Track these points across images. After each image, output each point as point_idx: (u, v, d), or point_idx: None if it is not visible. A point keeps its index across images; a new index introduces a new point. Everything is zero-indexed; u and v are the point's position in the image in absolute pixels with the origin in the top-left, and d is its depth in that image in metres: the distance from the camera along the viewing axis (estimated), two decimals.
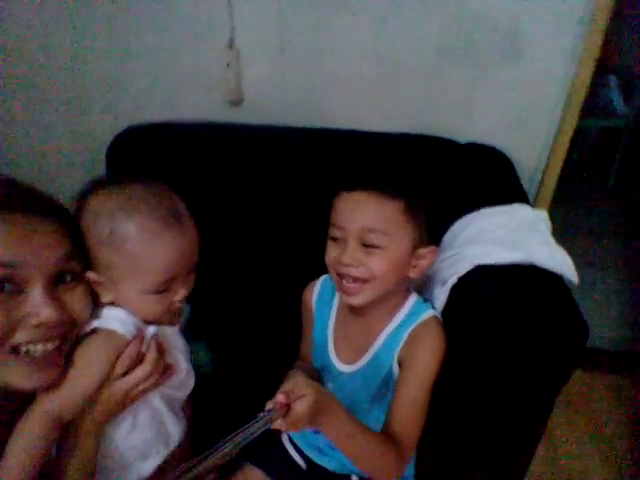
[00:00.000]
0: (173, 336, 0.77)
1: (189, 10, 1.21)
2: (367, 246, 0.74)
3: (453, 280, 0.82)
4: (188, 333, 1.18)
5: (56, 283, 0.60)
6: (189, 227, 0.69)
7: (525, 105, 1.24)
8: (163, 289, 0.68)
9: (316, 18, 1.20)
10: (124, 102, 1.36)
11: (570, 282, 0.78)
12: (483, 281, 0.80)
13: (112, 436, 0.70)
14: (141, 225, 0.64)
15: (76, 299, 0.63)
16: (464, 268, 0.81)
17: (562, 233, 0.94)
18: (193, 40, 1.25)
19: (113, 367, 0.66)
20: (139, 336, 0.68)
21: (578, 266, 0.79)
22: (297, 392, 0.61)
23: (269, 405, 0.61)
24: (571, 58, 1.16)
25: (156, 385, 0.71)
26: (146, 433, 0.74)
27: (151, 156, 1.28)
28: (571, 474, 1.40)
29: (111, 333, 0.66)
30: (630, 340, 1.80)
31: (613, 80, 2.50)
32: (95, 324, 0.67)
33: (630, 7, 2.44)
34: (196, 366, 1.12)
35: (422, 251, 0.78)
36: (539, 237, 0.82)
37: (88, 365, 0.65)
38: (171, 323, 0.75)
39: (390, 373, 0.80)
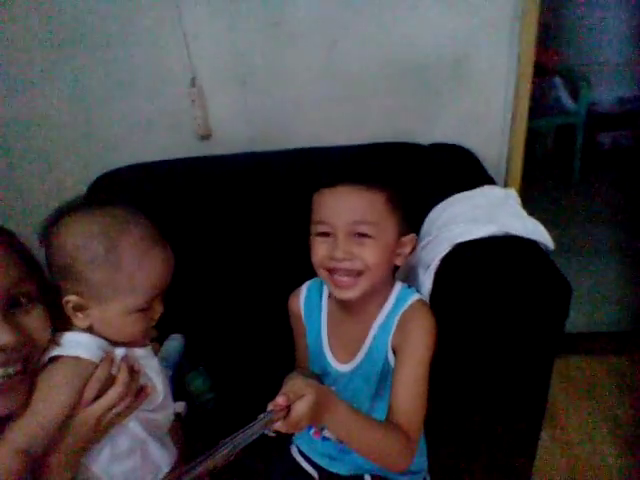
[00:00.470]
0: (146, 357, 0.75)
1: (151, 55, 1.27)
2: (358, 237, 0.74)
3: (435, 263, 0.84)
4: (184, 363, 1.17)
5: (12, 307, 0.60)
6: (166, 244, 0.71)
7: (478, 105, 1.31)
8: (148, 306, 0.69)
9: (270, 48, 1.26)
10: (97, 152, 1.39)
11: (546, 248, 0.81)
12: (464, 258, 0.82)
13: (90, 467, 0.68)
14: (135, 242, 0.65)
15: (34, 321, 0.62)
16: (444, 249, 0.83)
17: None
18: (158, 83, 1.30)
19: (81, 393, 0.64)
20: (107, 358, 0.66)
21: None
22: (296, 393, 0.61)
23: (269, 407, 0.60)
24: (510, 57, 1.24)
25: (131, 409, 0.68)
26: (127, 463, 0.70)
27: (131, 198, 1.29)
28: (581, 458, 1.38)
29: (75, 359, 0.65)
30: (606, 321, 1.83)
31: (558, 81, 2.65)
32: (56, 352, 0.65)
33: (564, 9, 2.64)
34: (195, 395, 1.12)
35: (404, 239, 0.80)
36: (510, 210, 0.86)
37: (53, 393, 0.62)
38: (142, 344, 0.74)
39: (387, 363, 0.80)
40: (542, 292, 0.71)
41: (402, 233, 0.80)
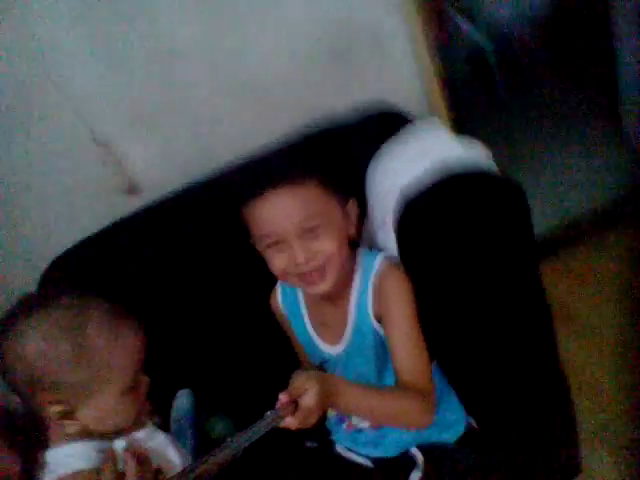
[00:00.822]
0: (150, 436, 0.72)
1: (43, 128, 1.22)
2: (310, 232, 0.73)
3: (390, 217, 0.82)
4: (200, 414, 1.13)
5: None
6: (132, 316, 0.68)
7: (387, 66, 1.31)
8: (135, 383, 0.66)
9: (164, 79, 1.23)
10: (30, 242, 1.33)
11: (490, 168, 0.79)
12: (420, 212, 0.79)
13: None
14: (100, 327, 0.63)
15: None
16: (393, 200, 0.81)
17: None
18: (61, 155, 1.25)
19: None
20: (108, 458, 0.62)
21: None
22: (299, 388, 0.61)
23: (277, 405, 0.61)
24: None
25: None
26: None
27: (90, 278, 1.25)
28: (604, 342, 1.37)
29: (76, 474, 0.61)
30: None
31: (450, 9, 2.68)
32: (50, 475, 0.60)
33: None
34: (218, 442, 1.07)
35: (347, 208, 0.80)
36: (440, 138, 0.84)
37: None
38: (140, 425, 0.71)
39: (375, 333, 0.80)
40: (496, 199, 0.69)
41: (343, 204, 0.79)
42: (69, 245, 1.26)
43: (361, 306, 0.81)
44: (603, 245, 1.68)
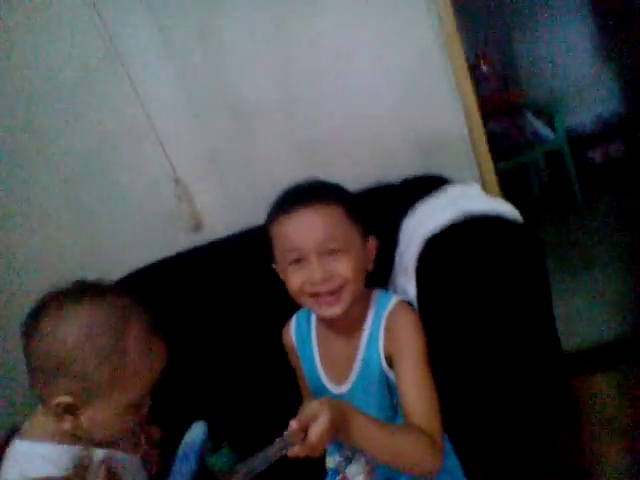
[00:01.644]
0: (132, 465, 0.71)
1: (134, 166, 1.42)
2: (331, 254, 0.75)
3: (412, 265, 0.84)
4: (209, 446, 1.12)
5: None
6: (162, 335, 0.68)
7: (438, 135, 1.38)
8: (142, 401, 0.65)
9: (238, 133, 1.39)
10: (101, 263, 1.47)
11: (515, 220, 0.81)
12: (438, 252, 0.82)
13: None
14: (139, 332, 0.62)
15: None
16: (417, 248, 0.84)
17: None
18: (144, 188, 1.43)
19: None
20: (81, 464, 0.61)
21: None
22: (309, 415, 0.61)
23: (286, 434, 0.60)
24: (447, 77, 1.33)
25: None
26: None
27: (147, 303, 1.35)
28: None
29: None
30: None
31: (530, 115, 2.76)
32: (18, 472, 0.58)
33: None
34: (222, 476, 1.05)
35: (368, 244, 0.82)
36: (473, 198, 0.87)
37: None
38: (128, 447, 0.70)
39: (382, 373, 0.79)
40: (517, 248, 0.70)
41: (365, 239, 0.82)
42: (132, 266, 1.41)
43: (371, 343, 0.80)
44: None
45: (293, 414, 1.05)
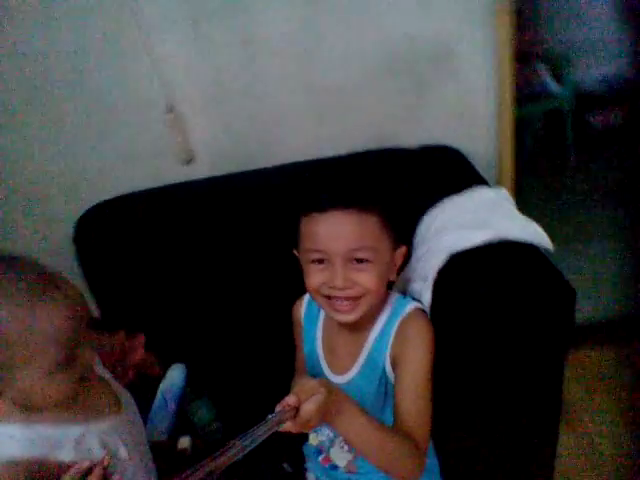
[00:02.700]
0: (114, 431, 0.68)
1: (124, 86, 1.24)
2: (357, 263, 0.72)
3: (433, 274, 0.81)
4: (187, 393, 1.14)
5: None
6: (61, 284, 0.60)
7: (463, 100, 1.29)
8: (70, 358, 0.59)
9: (243, 66, 1.23)
10: (81, 186, 1.35)
11: (546, 250, 0.78)
12: (462, 270, 0.79)
13: None
14: (15, 307, 0.56)
15: None
16: (440, 260, 0.81)
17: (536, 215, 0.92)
18: (134, 112, 1.27)
19: None
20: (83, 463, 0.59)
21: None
22: (306, 392, 0.60)
23: (278, 407, 0.59)
24: (489, 48, 1.21)
25: None
26: None
27: (118, 229, 1.29)
28: (604, 453, 1.35)
29: (12, 465, 0.56)
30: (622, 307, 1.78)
31: (541, 66, 2.62)
32: None
33: None
34: (199, 426, 1.09)
35: (397, 253, 0.79)
36: (504, 212, 0.83)
37: None
38: (110, 412, 0.67)
39: (384, 375, 0.79)
40: (545, 299, 0.68)
41: (395, 248, 0.78)
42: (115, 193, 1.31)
43: (380, 343, 0.79)
44: (626, 351, 1.63)
45: (277, 377, 1.08)
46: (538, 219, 0.81)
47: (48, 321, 0.57)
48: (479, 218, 0.83)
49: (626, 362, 1.60)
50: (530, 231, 0.78)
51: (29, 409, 0.60)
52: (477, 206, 0.87)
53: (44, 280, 0.58)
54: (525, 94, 2.61)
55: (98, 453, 0.64)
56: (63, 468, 0.59)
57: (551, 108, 2.72)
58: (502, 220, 0.80)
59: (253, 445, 0.54)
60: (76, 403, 0.64)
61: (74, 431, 0.62)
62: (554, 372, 0.72)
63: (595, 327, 1.67)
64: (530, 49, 2.65)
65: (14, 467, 0.56)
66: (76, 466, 0.59)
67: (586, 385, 1.54)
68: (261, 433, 0.55)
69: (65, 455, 0.60)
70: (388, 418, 0.78)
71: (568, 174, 2.72)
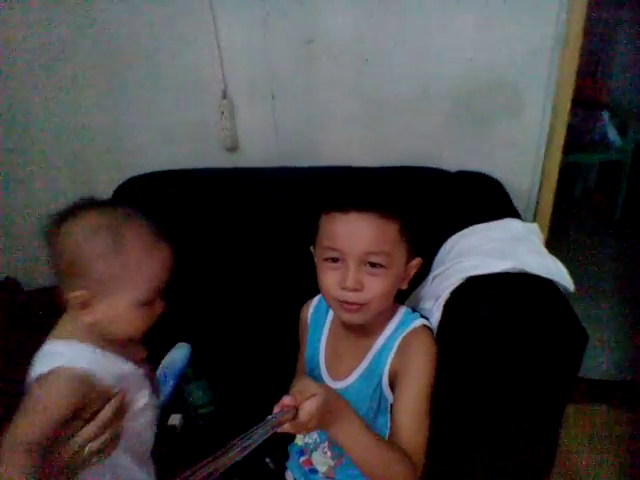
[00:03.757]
0: (137, 379, 0.74)
1: (183, 65, 1.30)
2: (370, 267, 0.73)
3: (446, 295, 0.80)
4: (188, 373, 1.16)
5: None
6: (167, 242, 0.73)
7: (513, 133, 1.27)
8: (152, 300, 0.70)
9: (301, 65, 1.26)
10: (126, 154, 1.42)
11: (565, 289, 0.76)
12: (476, 293, 0.78)
13: None
14: (139, 235, 0.68)
15: None
16: (455, 281, 0.80)
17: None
18: (189, 93, 1.32)
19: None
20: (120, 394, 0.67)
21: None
22: (306, 393, 0.60)
23: (276, 408, 0.59)
24: (550, 85, 1.19)
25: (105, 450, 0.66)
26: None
27: (153, 204, 1.31)
28: None
29: (73, 370, 0.64)
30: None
31: (606, 115, 2.54)
32: (51, 365, 0.64)
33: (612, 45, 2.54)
34: (193, 407, 1.10)
35: (411, 264, 0.79)
36: (530, 246, 0.81)
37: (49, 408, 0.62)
38: (139, 360, 0.74)
39: (380, 388, 0.78)
40: (556, 338, 0.66)
41: (410, 259, 0.78)
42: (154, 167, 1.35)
43: (382, 355, 0.79)
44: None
45: (276, 372, 1.08)
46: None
47: (162, 257, 0.69)
48: (503, 248, 0.81)
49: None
50: (552, 267, 0.76)
51: (104, 335, 0.69)
52: (504, 236, 0.85)
53: (160, 232, 0.71)
54: (585, 141, 2.55)
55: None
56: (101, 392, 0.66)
57: (608, 160, 2.63)
58: (526, 253, 0.79)
59: (253, 446, 0.54)
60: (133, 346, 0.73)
61: (125, 368, 0.70)
62: (552, 414, 0.70)
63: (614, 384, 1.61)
64: (598, 96, 2.58)
65: (73, 372, 0.64)
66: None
67: (590, 438, 1.48)
68: (261, 434, 0.55)
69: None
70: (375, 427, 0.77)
71: (611, 230, 2.63)
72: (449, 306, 0.80)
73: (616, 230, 2.62)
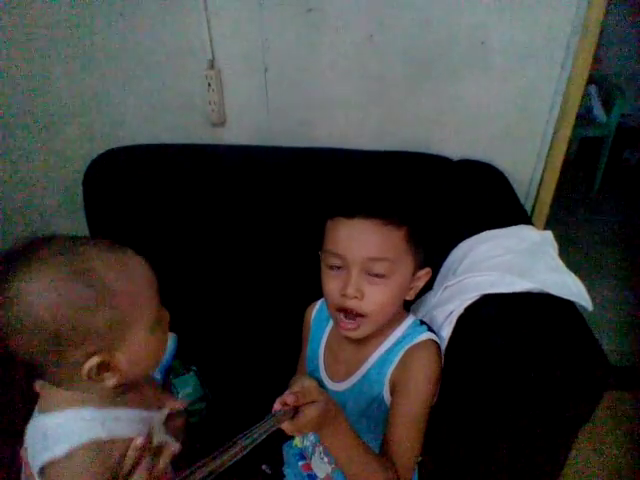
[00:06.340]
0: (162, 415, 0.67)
1: (168, 30, 1.16)
2: (372, 276, 0.70)
3: (460, 310, 0.77)
4: (176, 365, 1.11)
5: None
6: (136, 253, 0.61)
7: (516, 118, 1.21)
8: (159, 316, 0.61)
9: (299, 36, 1.15)
10: (103, 124, 1.30)
11: (583, 308, 0.74)
12: (492, 313, 0.75)
13: None
14: (108, 263, 0.55)
15: None
16: (471, 297, 0.76)
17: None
18: (173, 60, 1.20)
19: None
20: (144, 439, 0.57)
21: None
22: (308, 396, 0.59)
23: (276, 406, 0.58)
24: (563, 70, 1.13)
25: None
26: None
27: (130, 178, 1.23)
28: None
29: (94, 444, 0.54)
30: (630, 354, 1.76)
31: (593, 90, 2.52)
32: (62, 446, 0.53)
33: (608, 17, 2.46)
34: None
35: (419, 273, 0.76)
36: (548, 262, 0.78)
37: None
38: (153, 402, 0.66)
39: (379, 396, 0.77)
40: (577, 371, 0.63)
41: (418, 268, 0.75)
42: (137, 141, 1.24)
43: (382, 363, 0.77)
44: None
45: (271, 368, 1.05)
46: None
47: (143, 274, 0.58)
48: (521, 263, 0.78)
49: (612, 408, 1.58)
50: (572, 287, 0.73)
51: (134, 373, 0.59)
52: (520, 247, 0.82)
53: (120, 246, 0.58)
54: None
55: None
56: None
57: (591, 136, 2.63)
58: (545, 270, 0.75)
59: (253, 444, 0.53)
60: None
61: (145, 414, 0.62)
62: (562, 443, 0.69)
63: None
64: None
65: (95, 446, 0.55)
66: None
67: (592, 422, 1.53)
68: (261, 432, 0.54)
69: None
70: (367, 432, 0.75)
71: (588, 204, 2.67)
72: (462, 322, 0.77)
73: (592, 206, 2.66)
